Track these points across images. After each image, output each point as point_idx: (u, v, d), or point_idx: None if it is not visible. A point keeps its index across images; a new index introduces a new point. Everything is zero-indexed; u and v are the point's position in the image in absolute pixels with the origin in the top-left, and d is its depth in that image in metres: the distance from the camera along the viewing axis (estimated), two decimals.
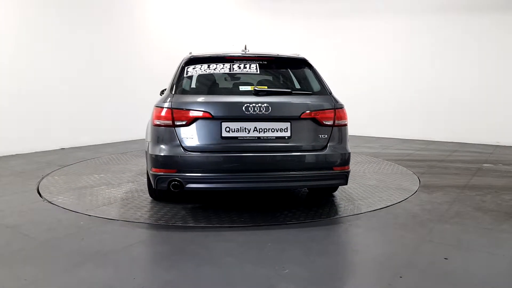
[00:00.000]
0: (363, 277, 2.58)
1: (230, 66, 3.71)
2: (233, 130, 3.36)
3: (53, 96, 7.40)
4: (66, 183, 4.81)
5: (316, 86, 3.78)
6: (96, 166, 5.88)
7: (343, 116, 3.60)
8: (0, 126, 6.65)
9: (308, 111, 3.47)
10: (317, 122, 3.50)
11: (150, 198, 4.12)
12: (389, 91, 10.09)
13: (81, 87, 7.86)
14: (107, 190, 4.47)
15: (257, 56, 3.81)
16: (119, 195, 4.27)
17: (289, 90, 3.70)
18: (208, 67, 3.72)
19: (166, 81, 4.32)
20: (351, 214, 3.74)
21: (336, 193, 4.40)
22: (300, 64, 4.01)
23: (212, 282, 2.39)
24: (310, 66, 3.94)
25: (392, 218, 3.64)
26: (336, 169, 3.53)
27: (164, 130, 3.38)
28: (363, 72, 10.41)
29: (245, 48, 4.25)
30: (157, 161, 3.36)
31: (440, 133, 9.36)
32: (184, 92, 3.61)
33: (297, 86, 3.99)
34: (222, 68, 3.72)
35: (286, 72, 4.14)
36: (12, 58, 6.80)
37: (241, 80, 4.08)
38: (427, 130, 9.56)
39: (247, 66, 3.71)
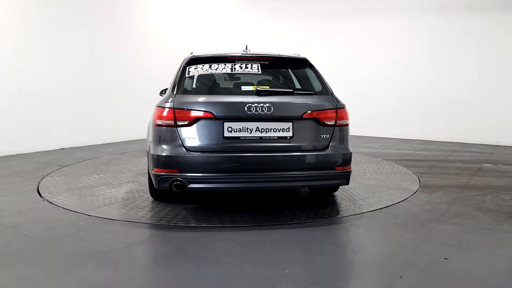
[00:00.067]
0: (363, 277, 2.58)
1: (232, 66, 3.71)
2: (235, 130, 3.36)
3: (53, 96, 7.40)
4: (66, 183, 4.81)
5: (317, 86, 3.79)
6: (96, 166, 5.88)
7: (344, 116, 3.61)
8: (0, 126, 6.65)
9: (310, 111, 3.48)
10: (319, 122, 3.51)
11: (151, 198, 4.12)
12: (389, 91, 10.09)
13: (81, 87, 7.86)
14: (107, 190, 4.47)
15: (259, 56, 3.81)
16: (119, 195, 4.27)
17: (291, 90, 3.70)
18: (210, 67, 3.72)
19: (166, 81, 4.32)
20: (351, 214, 3.74)
21: (336, 193, 4.40)
22: (301, 64, 4.01)
23: (212, 282, 2.40)
24: (311, 66, 3.94)
25: (392, 218, 3.64)
26: (338, 169, 3.53)
27: (166, 130, 3.38)
28: (363, 72, 10.41)
29: (246, 48, 4.25)
30: (159, 161, 3.36)
31: (440, 133, 9.36)
32: (186, 92, 3.61)
33: (299, 86, 3.99)
34: (224, 68, 3.72)
35: (288, 72, 4.15)
36: (12, 58, 6.80)
37: (243, 80, 4.08)
38: (427, 130, 9.56)
39: (249, 66, 3.71)
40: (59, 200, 4.07)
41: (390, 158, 6.78)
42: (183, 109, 3.36)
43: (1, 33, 6.62)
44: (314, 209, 3.86)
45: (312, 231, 3.29)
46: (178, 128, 3.35)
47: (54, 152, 7.03)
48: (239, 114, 3.36)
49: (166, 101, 3.45)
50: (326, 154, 3.49)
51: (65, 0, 7.55)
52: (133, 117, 8.51)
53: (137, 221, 3.48)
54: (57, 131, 7.47)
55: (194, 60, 3.78)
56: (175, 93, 3.51)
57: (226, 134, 3.35)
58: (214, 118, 3.34)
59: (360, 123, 9.05)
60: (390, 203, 4.06)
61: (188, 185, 3.30)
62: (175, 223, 3.42)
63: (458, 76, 9.25)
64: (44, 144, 7.20)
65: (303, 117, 3.46)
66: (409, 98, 9.81)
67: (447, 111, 9.38)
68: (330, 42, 10.87)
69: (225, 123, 3.35)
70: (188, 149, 3.33)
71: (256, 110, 3.34)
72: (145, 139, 4.27)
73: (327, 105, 3.56)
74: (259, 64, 3.73)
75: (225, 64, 3.72)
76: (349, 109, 3.73)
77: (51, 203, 4.00)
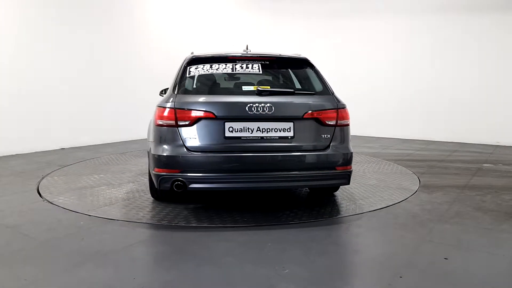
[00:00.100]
0: (363, 277, 2.58)
1: (233, 66, 3.71)
2: (236, 130, 3.36)
3: (53, 96, 7.40)
4: (66, 183, 4.81)
5: (318, 86, 3.79)
6: (96, 166, 5.88)
7: (345, 116, 3.61)
8: (0, 126, 6.65)
9: (310, 111, 3.48)
10: (319, 122, 3.51)
11: (152, 198, 4.12)
12: (389, 91, 10.09)
13: (81, 87, 7.86)
14: (107, 191, 4.47)
15: (260, 56, 3.82)
16: (120, 196, 4.27)
17: (292, 90, 3.71)
18: (211, 67, 3.73)
19: (166, 81, 4.32)
20: (352, 214, 3.74)
21: (337, 193, 4.41)
22: (302, 64, 4.01)
23: (212, 282, 2.40)
24: (312, 66, 3.94)
25: (392, 218, 3.64)
26: (339, 169, 3.53)
27: (167, 130, 3.38)
28: (363, 72, 10.41)
29: (247, 48, 4.25)
30: (160, 161, 3.36)
31: (440, 133, 9.36)
32: (187, 92, 3.61)
33: (300, 86, 3.99)
34: (225, 68, 3.72)
35: (288, 72, 4.15)
36: (12, 58, 6.80)
37: (244, 80, 4.08)
38: (427, 130, 9.56)
39: (250, 66, 3.71)
40: (59, 200, 4.07)
41: (390, 158, 6.78)
42: (184, 109, 3.36)
43: (1, 33, 6.62)
44: (315, 209, 3.86)
45: (312, 231, 3.29)
46: (179, 128, 3.35)
47: (54, 152, 7.03)
48: (240, 114, 3.36)
49: (167, 101, 3.45)
50: (327, 154, 3.49)
51: (65, 0, 7.55)
52: (133, 117, 8.52)
53: (138, 221, 3.47)
54: (57, 131, 7.47)
55: (195, 60, 3.78)
56: (176, 93, 3.51)
57: (227, 134, 3.35)
58: (215, 118, 3.34)
59: (360, 123, 9.04)
60: (390, 203, 4.06)
61: (189, 185, 3.30)
62: (176, 223, 3.42)
63: (458, 76, 9.25)
64: (44, 144, 7.20)
65: (304, 117, 3.46)
66: (409, 98, 9.81)
67: (447, 111, 9.38)
68: (330, 42, 10.87)
69: (226, 123, 3.35)
70: (189, 149, 3.33)
71: (257, 110, 3.34)
72: (145, 139, 4.27)
73: (328, 105, 3.57)
74: (260, 64, 3.74)
75: (226, 64, 3.73)
76: (349, 109, 3.74)
77: (51, 203, 4.00)
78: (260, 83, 3.90)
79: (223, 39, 10.44)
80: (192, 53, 4.08)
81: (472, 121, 9.07)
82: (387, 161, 6.50)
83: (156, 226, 3.40)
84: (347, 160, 3.57)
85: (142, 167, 5.75)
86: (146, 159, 4.62)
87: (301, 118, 3.46)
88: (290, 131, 3.44)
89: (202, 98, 3.46)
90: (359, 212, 3.78)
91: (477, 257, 2.80)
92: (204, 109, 3.35)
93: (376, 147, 8.32)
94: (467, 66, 9.15)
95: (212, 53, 3.91)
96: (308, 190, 4.54)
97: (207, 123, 3.35)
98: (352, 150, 3.64)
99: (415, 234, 3.23)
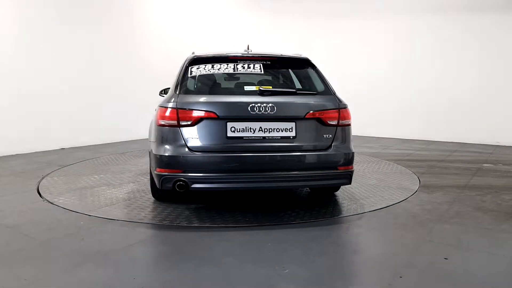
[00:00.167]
0: (363, 277, 2.58)
1: (234, 66, 3.71)
2: (238, 130, 3.36)
3: (53, 96, 7.40)
4: (66, 183, 4.80)
5: (320, 86, 3.79)
6: (96, 166, 5.88)
7: (347, 116, 3.62)
8: (0, 126, 6.65)
9: (312, 111, 3.48)
10: (321, 122, 3.51)
11: (153, 198, 4.11)
12: (389, 91, 10.09)
13: (81, 87, 7.86)
14: (108, 191, 4.47)
15: (261, 56, 3.82)
16: (121, 196, 4.27)
17: (294, 90, 3.71)
18: (212, 67, 3.72)
19: (166, 81, 4.32)
20: (352, 214, 3.74)
21: (337, 193, 4.41)
22: (303, 64, 4.01)
23: (212, 282, 2.40)
24: (313, 66, 3.94)
25: (392, 218, 3.64)
26: (340, 169, 3.54)
27: (169, 130, 3.38)
28: (363, 72, 10.41)
29: (248, 48, 4.25)
30: (162, 161, 3.35)
31: (440, 133, 9.36)
32: (189, 92, 3.60)
33: (301, 86, 3.99)
34: (226, 68, 3.72)
35: (290, 72, 4.15)
36: (12, 58, 6.80)
37: (246, 80, 4.08)
38: (427, 130, 9.56)
39: (251, 66, 3.71)
40: (59, 200, 4.07)
41: (390, 158, 6.78)
42: (186, 109, 3.36)
43: (1, 33, 6.62)
44: (316, 209, 3.86)
45: (312, 231, 3.29)
46: (181, 128, 3.35)
47: (54, 152, 7.03)
48: (243, 114, 3.35)
49: (169, 101, 3.44)
50: (328, 154, 3.50)
51: (65, 0, 7.55)
52: (133, 117, 8.52)
53: (140, 221, 3.47)
54: (57, 131, 7.46)
55: (196, 60, 3.78)
56: (177, 93, 3.50)
57: (229, 134, 3.35)
58: (217, 118, 3.34)
59: (360, 123, 9.01)
60: (391, 203, 4.06)
61: (191, 185, 3.29)
62: (178, 223, 3.42)
63: (458, 76, 9.25)
64: (44, 144, 7.20)
65: (306, 117, 3.47)
66: (409, 98, 9.81)
67: (447, 111, 9.38)
68: (330, 42, 10.87)
69: (228, 123, 3.35)
70: (191, 149, 3.33)
71: (259, 110, 3.34)
72: (145, 139, 4.27)
73: (330, 105, 3.57)
74: (261, 64, 3.73)
75: (227, 64, 3.73)
76: (349, 109, 3.74)
77: (51, 203, 4.00)
78: (261, 83, 3.90)
79: (223, 39, 10.44)
80: (193, 53, 4.07)
81: (472, 121, 9.07)
82: (387, 161, 6.50)
83: (156, 226, 3.40)
84: (349, 160, 3.57)
85: (142, 167, 5.75)
86: (146, 159, 4.62)
87: (303, 118, 3.46)
88: (292, 131, 3.44)
89: (204, 98, 3.46)
90: (360, 212, 3.78)
91: (477, 257, 2.80)
92: (206, 109, 3.35)
93: (376, 147, 8.32)
94: (467, 66, 9.15)
95: (214, 53, 3.90)
96: (309, 190, 4.54)
97: (209, 123, 3.35)
98: (353, 150, 3.64)
99: (415, 234, 3.23)
